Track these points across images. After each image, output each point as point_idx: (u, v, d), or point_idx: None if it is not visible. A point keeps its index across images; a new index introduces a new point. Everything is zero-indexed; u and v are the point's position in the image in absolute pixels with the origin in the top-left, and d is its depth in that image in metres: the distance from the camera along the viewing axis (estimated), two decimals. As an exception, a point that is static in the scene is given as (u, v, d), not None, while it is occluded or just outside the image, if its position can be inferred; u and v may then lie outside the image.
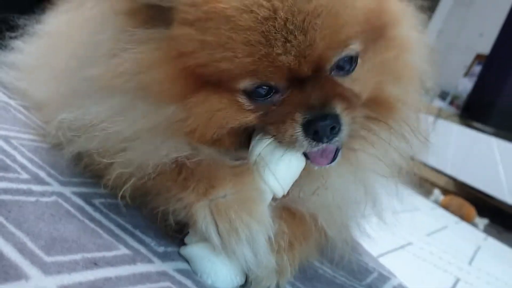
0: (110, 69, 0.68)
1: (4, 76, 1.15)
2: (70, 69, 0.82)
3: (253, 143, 0.72)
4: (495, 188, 2.95)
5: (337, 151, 0.72)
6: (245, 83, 0.66)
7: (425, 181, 3.35)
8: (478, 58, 4.13)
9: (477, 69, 3.98)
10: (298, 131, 0.67)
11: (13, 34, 1.18)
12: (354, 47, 0.68)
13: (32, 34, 1.16)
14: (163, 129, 0.69)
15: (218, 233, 0.64)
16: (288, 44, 0.62)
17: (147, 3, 0.66)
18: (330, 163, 0.72)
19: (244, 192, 0.66)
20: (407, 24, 0.78)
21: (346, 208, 0.81)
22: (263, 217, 0.66)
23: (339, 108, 0.67)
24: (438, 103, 3.86)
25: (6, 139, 0.86)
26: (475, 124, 3.43)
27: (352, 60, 0.70)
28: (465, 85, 3.97)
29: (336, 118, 0.66)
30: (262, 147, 0.71)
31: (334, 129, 0.67)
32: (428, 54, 0.82)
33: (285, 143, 0.69)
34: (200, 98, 0.67)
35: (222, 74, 0.65)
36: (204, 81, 0.66)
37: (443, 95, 4.07)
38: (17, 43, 1.16)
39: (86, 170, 0.78)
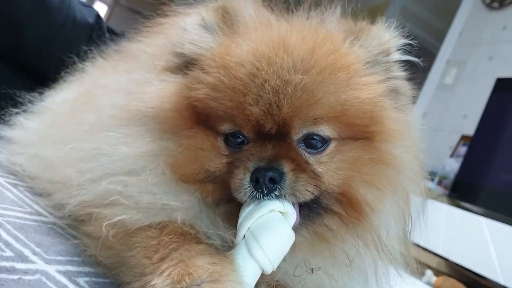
0: (136, 97, 0.83)
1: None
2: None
3: (241, 217, 0.72)
4: (488, 269, 2.90)
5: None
6: (225, 127, 0.78)
7: (417, 262, 3.30)
8: (463, 139, 4.23)
9: (463, 149, 4.06)
10: (245, 177, 0.73)
11: (16, 110, 1.21)
12: (324, 129, 0.75)
13: (34, 111, 1.19)
14: (156, 158, 0.78)
15: None
16: (260, 99, 0.73)
17: (178, 55, 0.85)
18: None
19: (220, 281, 0.64)
20: (401, 145, 0.80)
21: None
22: None
23: (286, 167, 0.72)
24: (426, 184, 3.89)
25: (-9, 216, 0.85)
26: (464, 204, 3.45)
27: (323, 142, 0.76)
28: (452, 166, 4.03)
29: (279, 172, 0.71)
30: (251, 221, 0.70)
31: (274, 181, 0.71)
32: (419, 176, 0.85)
33: (234, 189, 0.74)
34: (191, 132, 0.79)
35: (210, 112, 0.77)
36: (198, 118, 0.78)
37: (430, 176, 4.11)
38: (19, 119, 1.19)
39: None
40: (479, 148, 3.64)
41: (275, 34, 0.79)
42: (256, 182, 0.71)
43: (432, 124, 4.54)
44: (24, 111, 1.21)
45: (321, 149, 0.76)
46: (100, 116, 0.89)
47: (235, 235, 0.73)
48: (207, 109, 0.76)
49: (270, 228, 0.70)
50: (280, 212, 0.72)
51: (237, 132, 0.77)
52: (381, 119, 0.77)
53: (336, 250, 0.79)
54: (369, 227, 0.78)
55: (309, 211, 0.77)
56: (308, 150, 0.76)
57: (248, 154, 0.75)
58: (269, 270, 0.69)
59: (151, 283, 0.64)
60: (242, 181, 0.73)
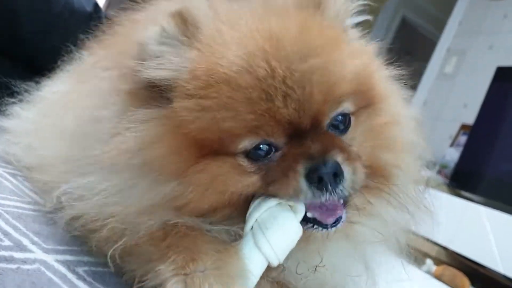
0: (114, 147, 0.70)
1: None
2: (72, 141, 0.83)
3: (251, 208, 0.71)
4: (487, 258, 2.91)
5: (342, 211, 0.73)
6: (245, 143, 0.69)
7: (416, 251, 3.31)
8: (463, 128, 4.23)
9: (463, 139, 4.06)
10: (302, 182, 0.68)
11: (12, 100, 1.20)
12: (347, 106, 0.72)
13: (31, 100, 1.18)
14: (159, 207, 0.69)
15: None
16: (288, 98, 0.66)
17: (147, 84, 0.70)
18: (336, 222, 0.72)
19: (224, 268, 0.64)
20: (394, 101, 0.81)
21: (342, 285, 0.80)
22: None
23: (339, 157, 0.68)
24: (426, 173, 3.89)
25: (-11, 206, 0.85)
26: (464, 193, 3.45)
27: (345, 120, 0.73)
28: (452, 155, 4.03)
29: (338, 166, 0.67)
30: (259, 212, 0.70)
31: (337, 177, 0.67)
32: (416, 127, 0.85)
33: (289, 197, 0.69)
34: (199, 167, 0.69)
35: (223, 136, 0.67)
36: (204, 150, 0.69)
37: (430, 165, 4.11)
38: (15, 109, 1.17)
39: (81, 230, 0.76)
40: (479, 137, 3.63)
41: (253, 30, 0.70)
42: (319, 181, 0.67)
43: (432, 113, 4.54)
44: (20, 100, 1.20)
45: (347, 127, 0.74)
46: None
47: (241, 229, 0.72)
48: (217, 134, 0.67)
49: (277, 221, 0.69)
50: (289, 205, 0.71)
51: (262, 143, 0.70)
52: (376, 80, 0.78)
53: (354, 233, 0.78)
54: (400, 187, 0.79)
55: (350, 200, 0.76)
56: (337, 132, 0.73)
57: (290, 159, 0.69)
58: (275, 263, 0.69)
59: (156, 269, 0.64)
60: (299, 188, 0.68)
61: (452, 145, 4.25)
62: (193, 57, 0.69)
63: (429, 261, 2.82)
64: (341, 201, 0.73)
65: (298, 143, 0.69)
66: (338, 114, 0.72)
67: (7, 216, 0.83)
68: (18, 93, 1.20)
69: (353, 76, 0.72)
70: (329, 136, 0.71)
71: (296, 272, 0.74)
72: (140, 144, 0.69)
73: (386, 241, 0.81)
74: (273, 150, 0.71)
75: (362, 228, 0.78)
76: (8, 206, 0.88)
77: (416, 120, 0.86)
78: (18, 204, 0.91)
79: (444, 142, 4.29)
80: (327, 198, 0.69)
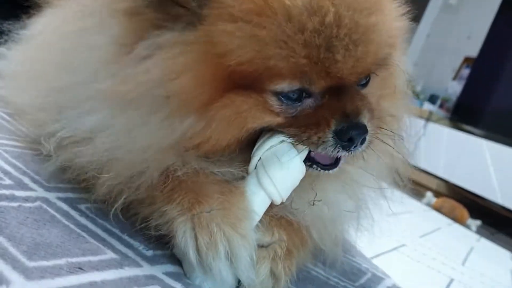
0: (128, 79, 0.62)
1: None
2: (61, 77, 0.77)
3: (256, 147, 0.71)
4: (487, 190, 2.95)
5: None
6: (284, 85, 0.64)
7: (417, 184, 3.36)
8: (466, 61, 4.16)
9: (466, 72, 4.00)
10: (329, 135, 0.67)
11: None
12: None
13: (17, 40, 1.14)
14: (173, 147, 0.65)
15: (197, 248, 0.61)
16: (347, 53, 0.63)
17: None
18: (335, 164, 0.73)
19: (230, 209, 0.64)
20: (398, 53, 0.79)
21: (339, 221, 0.80)
22: (247, 233, 0.63)
23: (367, 119, 0.69)
24: (428, 107, 3.88)
25: (-11, 145, 0.84)
26: (465, 126, 3.45)
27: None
28: (455, 88, 3.99)
29: (365, 129, 0.68)
30: (263, 151, 0.69)
31: (365, 140, 0.69)
32: (407, 79, 0.85)
33: (309, 144, 0.69)
34: (225, 101, 0.63)
35: (265, 73, 0.62)
36: (235, 83, 0.63)
37: (433, 99, 4.09)
38: (1, 50, 1.14)
39: (73, 181, 0.74)
40: (482, 71, 3.58)
41: None
42: (348, 141, 0.67)
43: (435, 46, 4.46)
44: (6, 41, 1.16)
45: (367, 82, 0.73)
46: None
47: (245, 170, 0.71)
48: (259, 70, 0.61)
49: (279, 159, 0.68)
50: (292, 143, 0.70)
51: (301, 89, 0.66)
52: (399, 40, 0.78)
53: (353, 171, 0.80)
54: (391, 129, 0.78)
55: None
56: (361, 87, 0.73)
57: (325, 111, 0.67)
58: (278, 200, 0.69)
59: (162, 209, 0.64)
60: (326, 138, 0.67)
61: (454, 78, 4.20)
62: None
63: (429, 194, 2.86)
64: None
65: (335, 97, 0.68)
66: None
67: (6, 155, 0.82)
68: (3, 33, 1.16)
69: (395, 39, 0.72)
70: (360, 95, 0.71)
71: (292, 207, 0.74)
72: (164, 74, 0.61)
73: (377, 178, 0.83)
74: (305, 96, 0.67)
75: (352, 168, 0.79)
76: (7, 145, 0.87)
77: (408, 73, 0.85)
78: (17, 143, 0.90)
79: (446, 75, 4.24)
80: (344, 155, 0.70)
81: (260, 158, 0.69)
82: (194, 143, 0.65)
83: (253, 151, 0.71)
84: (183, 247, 0.62)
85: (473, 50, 3.91)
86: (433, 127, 3.53)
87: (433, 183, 3.36)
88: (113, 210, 0.67)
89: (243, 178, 0.71)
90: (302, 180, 0.72)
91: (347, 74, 0.65)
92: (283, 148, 0.69)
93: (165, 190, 0.67)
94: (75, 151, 0.68)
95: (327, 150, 0.68)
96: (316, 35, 0.60)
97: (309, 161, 0.72)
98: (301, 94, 0.67)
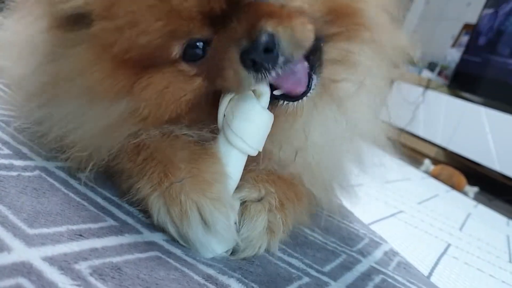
0: (51, 75, 0.68)
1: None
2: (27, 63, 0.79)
3: (219, 105, 0.69)
4: (485, 157, 2.96)
5: (310, 76, 0.68)
6: (174, 49, 0.64)
7: (415, 152, 3.37)
8: (466, 27, 4.12)
9: (465, 39, 3.96)
10: (240, 70, 0.62)
11: None
12: None
13: (13, 8, 1.12)
14: (119, 126, 0.67)
15: (173, 221, 0.62)
16: None
17: (66, 18, 0.65)
18: (307, 90, 0.67)
19: (198, 175, 0.64)
20: None
21: (328, 164, 0.78)
22: (219, 195, 0.63)
23: (269, 26, 0.60)
24: (427, 74, 3.86)
25: (-14, 116, 0.84)
26: (464, 94, 3.43)
27: None
28: (454, 56, 3.96)
29: (268, 37, 0.59)
30: (224, 107, 0.67)
31: (271, 50, 0.60)
32: None
33: (236, 89, 0.65)
34: (143, 82, 0.65)
35: (148, 51, 0.63)
36: (141, 65, 0.64)
37: (431, 66, 4.06)
38: None
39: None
40: (482, 38, 3.55)
41: None
42: (253, 64, 0.60)
43: (434, 12, 4.40)
44: (2, 9, 1.14)
45: None
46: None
47: (212, 130, 0.71)
48: (142, 51, 0.63)
49: (240, 112, 0.66)
50: (251, 91, 0.66)
51: (191, 42, 0.64)
52: None
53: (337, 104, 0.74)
54: (371, 21, 0.72)
55: (314, 52, 0.69)
56: None
57: (221, 48, 0.63)
58: (252, 153, 0.68)
59: (136, 186, 0.65)
60: (239, 75, 0.62)
61: (453, 45, 4.16)
62: None
63: (427, 161, 2.87)
64: (305, 64, 0.68)
65: (224, 28, 0.63)
66: None
67: (3, 125, 0.83)
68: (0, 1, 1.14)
69: None
70: (254, 7, 0.63)
71: (280, 158, 0.73)
72: (74, 71, 0.66)
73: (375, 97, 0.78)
74: (208, 43, 0.65)
75: (348, 84, 0.74)
76: (3, 115, 0.87)
77: None
78: (14, 113, 0.89)
79: (445, 42, 4.20)
80: (272, 75, 0.62)
81: (224, 115, 0.68)
82: (136, 120, 0.67)
83: (219, 106, 0.69)
84: (161, 224, 0.63)
85: (473, 16, 3.87)
86: (431, 94, 3.52)
87: (432, 151, 3.37)
88: (84, 176, 0.69)
89: (212, 139, 0.70)
90: (294, 123, 0.71)
91: (205, 4, 0.60)
92: (241, 99, 0.66)
93: (138, 161, 0.67)
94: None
95: (251, 85, 0.63)
96: None
97: (279, 99, 0.68)
98: (205, 46, 0.65)
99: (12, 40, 1.00)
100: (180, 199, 0.62)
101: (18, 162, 0.70)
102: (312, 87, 0.68)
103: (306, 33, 0.64)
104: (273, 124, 0.68)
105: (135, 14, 0.60)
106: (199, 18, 0.61)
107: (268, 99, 0.67)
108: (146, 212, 0.66)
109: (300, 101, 0.68)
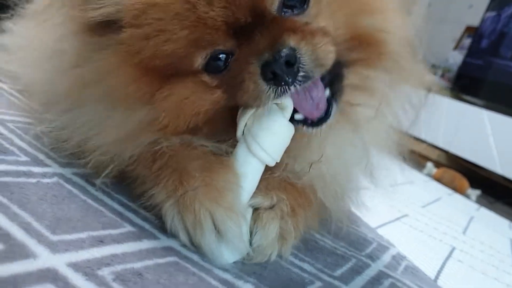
0: (76, 80, 0.69)
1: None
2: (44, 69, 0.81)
3: (238, 116, 0.70)
4: (487, 160, 2.98)
5: (329, 103, 0.70)
6: (197, 60, 0.66)
7: (418, 155, 3.37)
8: (468, 30, 4.13)
9: (467, 41, 3.98)
10: (260, 83, 0.63)
11: (4, 15, 1.16)
12: None
13: (22, 15, 1.14)
14: (139, 133, 0.68)
15: (186, 229, 0.64)
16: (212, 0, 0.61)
17: (96, 22, 0.66)
18: (326, 116, 0.70)
19: (211, 184, 0.65)
20: None
21: (342, 177, 0.80)
22: (231, 204, 0.64)
23: (292, 40, 0.62)
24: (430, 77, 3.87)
25: (2, 122, 0.86)
26: (466, 97, 3.45)
27: None
28: (456, 58, 3.97)
29: (290, 51, 0.61)
30: (247, 116, 0.69)
31: (293, 64, 0.61)
32: None
33: (255, 102, 0.66)
34: (165, 91, 0.67)
35: (173, 60, 0.64)
36: (164, 74, 0.66)
37: (433, 69, 4.08)
38: (8, 24, 1.14)
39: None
40: (484, 40, 3.57)
41: None
42: (274, 77, 0.62)
43: (436, 14, 4.41)
44: (12, 15, 1.15)
45: (305, 3, 0.66)
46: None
47: (232, 144, 0.72)
48: (167, 60, 0.64)
49: (264, 122, 0.67)
50: (275, 104, 0.68)
51: (214, 53, 0.66)
52: None
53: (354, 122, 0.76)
54: (393, 51, 0.74)
55: (335, 78, 0.71)
56: (295, 12, 0.66)
57: (242, 61, 0.65)
58: (271, 163, 0.69)
59: (151, 192, 0.67)
60: (259, 88, 0.63)
61: (456, 48, 4.18)
62: None
63: (429, 164, 2.88)
64: (323, 89, 0.70)
65: (248, 41, 0.64)
66: None
67: (19, 132, 0.84)
68: (9, 7, 1.16)
69: None
70: (278, 22, 0.64)
71: (295, 169, 0.75)
72: (99, 75, 0.67)
73: (390, 122, 0.79)
74: (231, 57, 0.66)
75: (365, 109, 0.76)
76: (19, 122, 0.89)
77: None
78: (28, 120, 0.91)
79: (448, 45, 4.21)
80: (291, 90, 0.64)
81: (246, 124, 0.69)
82: (156, 129, 0.69)
83: (237, 118, 0.70)
84: (174, 232, 0.65)
85: (475, 19, 3.88)
86: (433, 97, 3.53)
87: (434, 154, 3.38)
88: (99, 179, 0.70)
89: (229, 152, 0.71)
90: (311, 140, 0.73)
91: (230, 15, 0.62)
92: (266, 111, 0.68)
93: (153, 168, 0.68)
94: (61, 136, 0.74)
95: (270, 98, 0.64)
96: (175, 5, 0.61)
97: (299, 122, 0.70)
98: (228, 58, 0.67)
99: (25, 45, 1.02)
100: (194, 207, 0.63)
101: (36, 169, 0.72)
102: (332, 115, 0.70)
103: (328, 53, 0.65)
104: (292, 137, 0.70)
105: (162, 22, 0.61)
106: (223, 29, 0.63)
107: (291, 112, 0.69)
108: (160, 218, 0.68)
109: (319, 127, 0.70)
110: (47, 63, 0.81)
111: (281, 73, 0.61)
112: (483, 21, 3.59)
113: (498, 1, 3.52)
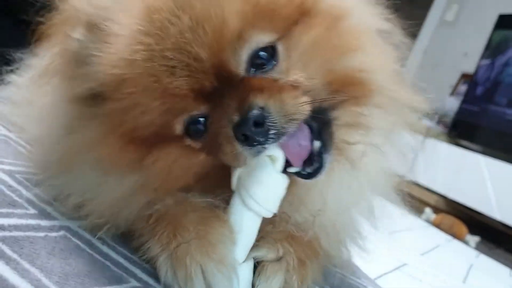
0: (69, 147, 0.72)
1: (3, 109, 1.16)
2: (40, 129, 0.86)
3: (231, 168, 0.72)
4: (485, 205, 2.99)
5: (321, 154, 0.70)
6: (177, 126, 0.68)
7: (416, 200, 3.39)
8: (464, 77, 4.22)
9: (463, 88, 4.06)
10: (236, 145, 0.64)
11: (9, 68, 1.19)
12: (255, 38, 0.65)
13: (27, 67, 1.17)
14: (133, 196, 0.70)
15: (179, 285, 0.64)
16: (174, 70, 0.62)
17: (83, 94, 0.69)
18: (320, 167, 0.70)
19: (205, 237, 0.66)
20: None
21: (344, 224, 0.80)
22: (222, 256, 0.65)
23: (259, 100, 0.62)
24: (426, 122, 3.92)
25: (10, 173, 0.87)
26: (463, 142, 3.49)
27: (269, 50, 0.66)
28: (452, 104, 4.04)
29: (259, 112, 0.61)
30: (239, 171, 0.70)
31: (259, 122, 0.61)
32: (376, 9, 0.77)
33: (235, 163, 0.68)
34: (152, 157, 0.69)
35: (154, 129, 0.67)
36: (149, 142, 0.68)
37: (430, 115, 4.12)
38: (13, 77, 1.17)
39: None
40: (479, 87, 3.64)
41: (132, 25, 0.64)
42: (245, 138, 0.62)
43: (432, 61, 4.51)
44: (17, 68, 1.18)
45: (274, 58, 0.67)
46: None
47: (224, 200, 0.73)
48: (146, 130, 0.66)
49: (256, 176, 0.68)
50: (267, 156, 0.68)
51: (191, 118, 0.67)
52: None
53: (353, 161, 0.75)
54: (378, 87, 0.74)
55: (323, 124, 0.71)
56: (264, 69, 0.66)
57: (217, 125, 0.66)
58: (268, 215, 0.70)
59: (146, 246, 0.69)
60: (235, 150, 0.65)
61: (452, 94, 4.25)
62: (101, 61, 0.65)
63: (428, 210, 2.89)
64: (316, 144, 0.70)
65: (219, 104, 0.65)
66: (252, 51, 0.65)
67: (27, 183, 0.86)
68: (14, 61, 1.19)
69: (242, 5, 0.62)
70: (246, 82, 0.65)
71: (298, 221, 0.76)
72: (88, 144, 0.70)
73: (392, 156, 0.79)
74: (207, 119, 0.68)
75: (363, 147, 0.75)
76: (27, 173, 0.90)
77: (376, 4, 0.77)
78: (35, 171, 0.93)
79: (444, 91, 4.29)
80: (264, 148, 0.64)
81: (239, 177, 0.70)
82: (149, 191, 0.70)
83: (232, 174, 0.71)
84: (168, 285, 0.66)
85: (471, 66, 3.97)
86: (431, 143, 3.57)
87: (432, 199, 3.39)
88: (102, 234, 0.72)
89: (227, 204, 0.72)
90: (310, 188, 0.74)
91: (195, 83, 0.63)
92: (256, 164, 0.68)
93: (150, 221, 0.70)
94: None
95: (248, 158, 0.65)
96: (142, 79, 0.62)
97: (290, 171, 0.70)
98: (205, 121, 0.68)
99: (30, 99, 1.04)
100: (185, 261, 0.64)
101: (44, 222, 0.73)
102: (325, 165, 0.70)
103: (298, 106, 0.65)
104: (290, 187, 0.71)
105: (135, 96, 0.64)
106: (192, 96, 0.64)
107: (283, 164, 0.69)
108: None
109: (314, 178, 0.71)
110: (45, 123, 0.84)
111: (251, 134, 0.62)
112: (478, 68, 3.67)
113: (492, 49, 3.61)
